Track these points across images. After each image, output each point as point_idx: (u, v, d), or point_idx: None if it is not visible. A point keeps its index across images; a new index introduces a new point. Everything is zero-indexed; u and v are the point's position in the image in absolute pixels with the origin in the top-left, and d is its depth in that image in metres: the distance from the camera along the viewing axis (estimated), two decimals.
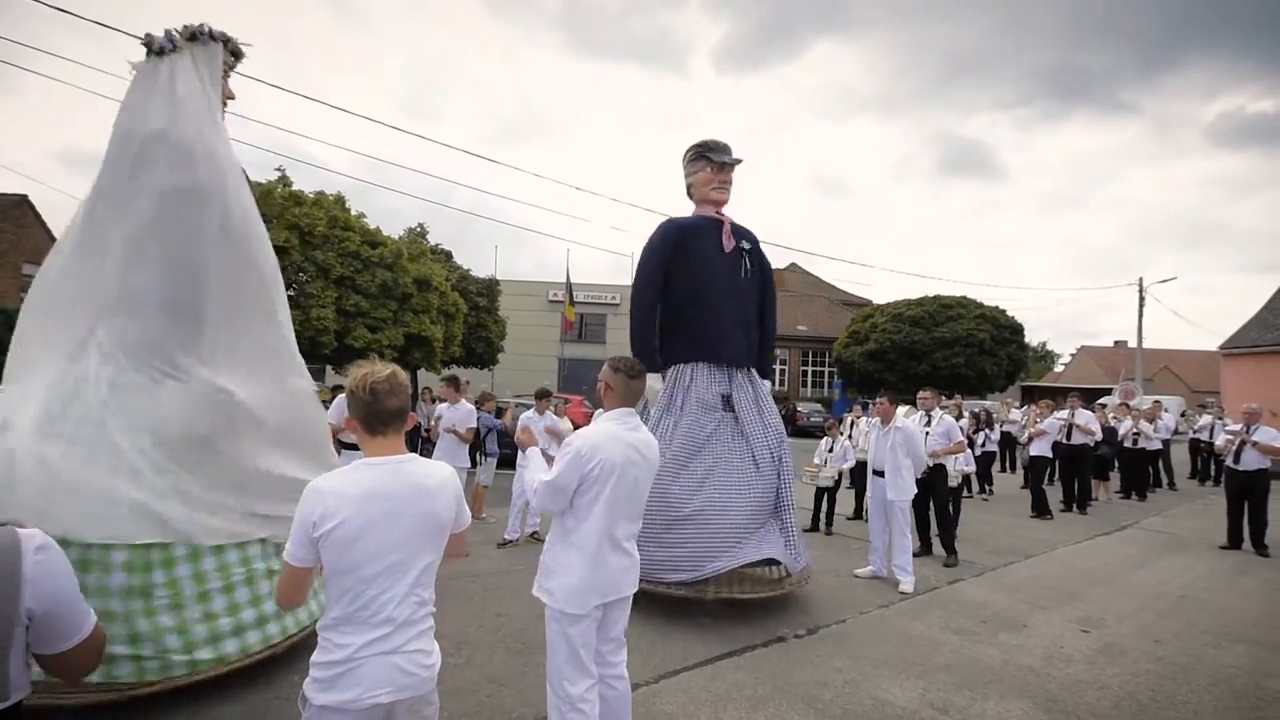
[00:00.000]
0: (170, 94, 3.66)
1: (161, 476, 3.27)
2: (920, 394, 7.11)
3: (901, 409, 6.28)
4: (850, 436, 8.58)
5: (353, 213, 15.92)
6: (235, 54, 4.06)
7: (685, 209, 5.78)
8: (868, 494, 6.45)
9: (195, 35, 3.79)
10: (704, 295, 5.33)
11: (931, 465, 6.57)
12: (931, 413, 6.87)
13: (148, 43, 3.72)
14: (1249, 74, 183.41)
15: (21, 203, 22.28)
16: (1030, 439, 9.94)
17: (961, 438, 6.94)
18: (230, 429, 3.53)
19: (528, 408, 7.81)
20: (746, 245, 5.51)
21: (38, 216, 22.83)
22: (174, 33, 3.74)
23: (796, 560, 4.90)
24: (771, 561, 4.91)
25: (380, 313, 15.36)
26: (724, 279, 5.38)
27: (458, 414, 6.97)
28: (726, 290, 5.37)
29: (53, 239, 22.72)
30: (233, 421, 3.54)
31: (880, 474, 5.93)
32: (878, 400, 6.22)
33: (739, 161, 5.55)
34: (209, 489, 3.42)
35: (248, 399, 3.61)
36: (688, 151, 5.60)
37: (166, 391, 3.42)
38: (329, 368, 15.78)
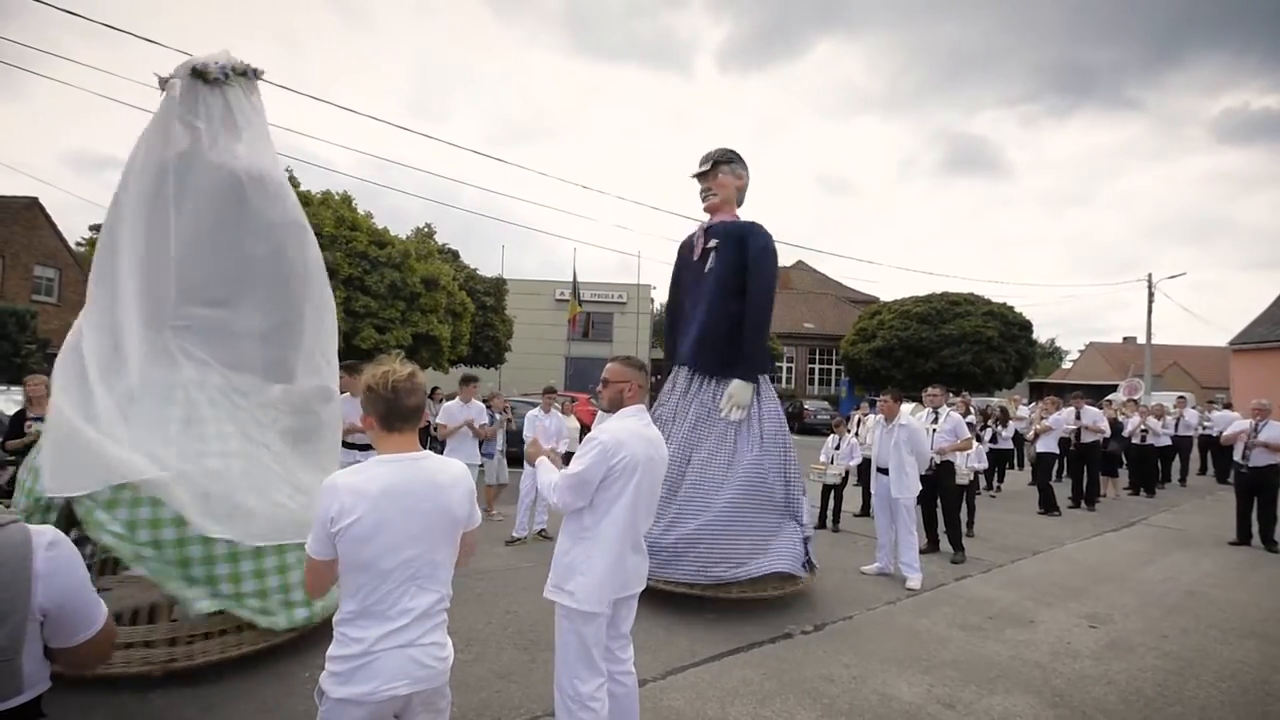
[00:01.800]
0: (247, 128, 4.01)
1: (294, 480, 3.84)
2: (928, 391, 7.11)
3: (907, 406, 6.29)
4: (857, 434, 8.59)
5: (360, 213, 15.97)
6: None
7: (693, 207, 6.04)
8: (873, 491, 6.45)
9: (245, 72, 4.04)
10: (676, 303, 5.92)
11: (939, 463, 6.58)
12: (939, 410, 6.87)
13: (204, 73, 3.88)
14: (1253, 70, 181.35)
15: (32, 205, 22.47)
16: (1037, 435, 9.91)
17: (968, 434, 6.93)
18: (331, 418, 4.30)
19: (533, 405, 7.84)
20: (714, 241, 5.54)
21: (48, 218, 23.03)
22: (227, 68, 3.94)
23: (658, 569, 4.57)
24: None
25: (388, 313, 15.42)
26: (689, 284, 5.74)
27: (471, 412, 7.05)
28: (690, 294, 5.70)
29: (63, 241, 23.13)
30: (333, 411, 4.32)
31: (885, 471, 5.94)
32: (882, 398, 6.23)
33: (710, 165, 5.62)
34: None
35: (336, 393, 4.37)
36: None
37: (279, 391, 4.03)
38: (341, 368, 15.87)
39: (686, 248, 5.85)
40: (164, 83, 3.92)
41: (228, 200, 3.91)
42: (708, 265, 5.48)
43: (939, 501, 6.70)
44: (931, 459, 6.48)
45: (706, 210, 5.73)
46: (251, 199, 3.95)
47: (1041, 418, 10.12)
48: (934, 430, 6.62)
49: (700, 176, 5.67)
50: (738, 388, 5.19)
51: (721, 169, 5.59)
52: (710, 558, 4.68)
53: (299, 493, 3.77)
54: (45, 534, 1.44)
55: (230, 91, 3.97)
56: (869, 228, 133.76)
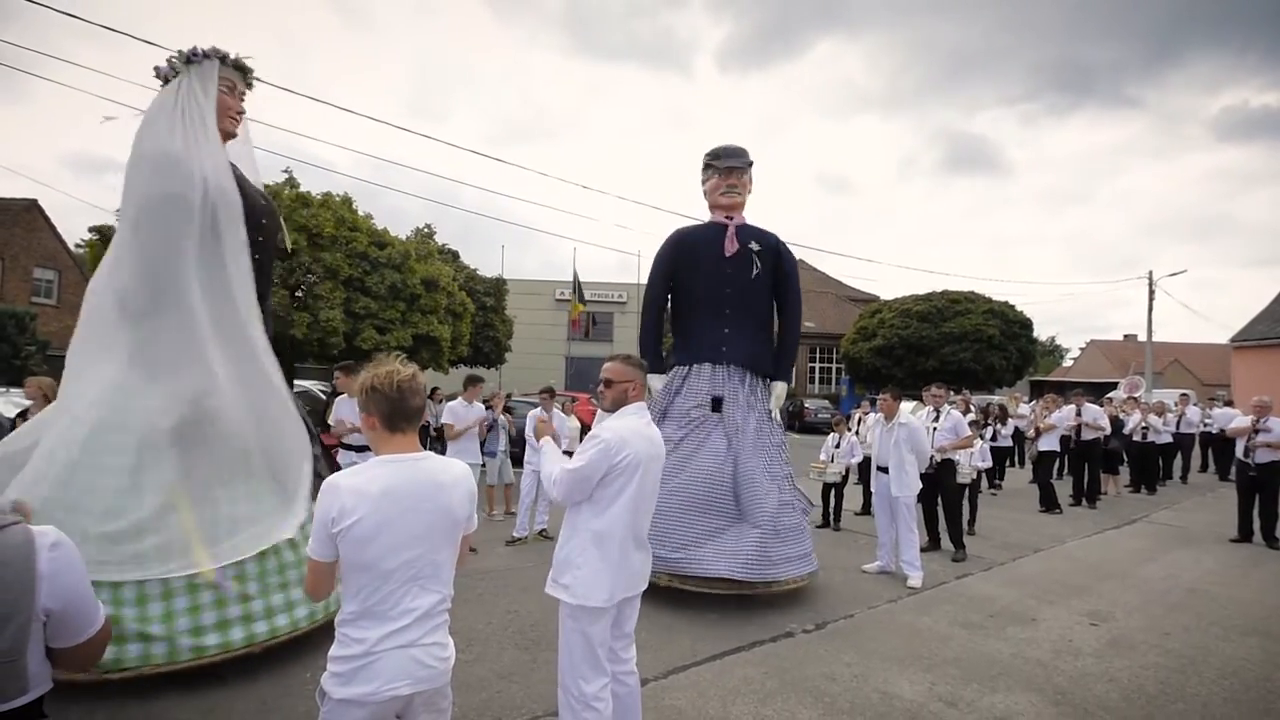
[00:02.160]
0: (167, 113, 3.87)
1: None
2: (930, 390, 7.09)
3: (907, 405, 6.28)
4: (857, 433, 8.62)
5: (360, 214, 15.94)
6: (241, 68, 4.20)
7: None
8: (874, 489, 6.41)
9: (190, 58, 3.99)
10: (702, 300, 5.55)
11: (940, 461, 6.58)
12: (940, 409, 6.86)
13: (157, 73, 3.99)
14: (1253, 68, 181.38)
15: (31, 207, 22.48)
16: (1039, 433, 9.86)
17: (969, 432, 6.92)
18: (212, 425, 3.69)
19: (534, 405, 7.85)
20: (756, 246, 5.49)
21: (47, 220, 23.05)
22: (173, 59, 3.98)
23: (758, 571, 4.70)
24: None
25: (388, 313, 15.40)
26: (723, 283, 5.48)
27: (475, 412, 7.05)
28: (727, 294, 5.47)
29: (62, 242, 23.16)
30: (214, 418, 3.69)
31: (885, 470, 5.93)
32: (881, 396, 6.22)
33: (747, 164, 5.57)
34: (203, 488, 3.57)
35: (228, 397, 3.75)
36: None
37: (156, 390, 3.58)
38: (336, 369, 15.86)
39: (708, 240, 5.55)
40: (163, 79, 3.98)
41: (136, 185, 3.77)
42: (754, 270, 5.45)
43: (940, 500, 6.69)
44: (932, 457, 6.48)
45: (728, 207, 5.58)
46: (138, 174, 3.77)
47: (1045, 414, 10.08)
48: (935, 429, 6.62)
49: (730, 171, 5.54)
50: (784, 389, 5.60)
51: (749, 171, 5.60)
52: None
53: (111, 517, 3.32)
54: (48, 535, 1.45)
55: (180, 81, 3.93)
56: (869, 227, 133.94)
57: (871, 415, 8.90)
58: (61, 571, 1.43)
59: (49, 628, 1.43)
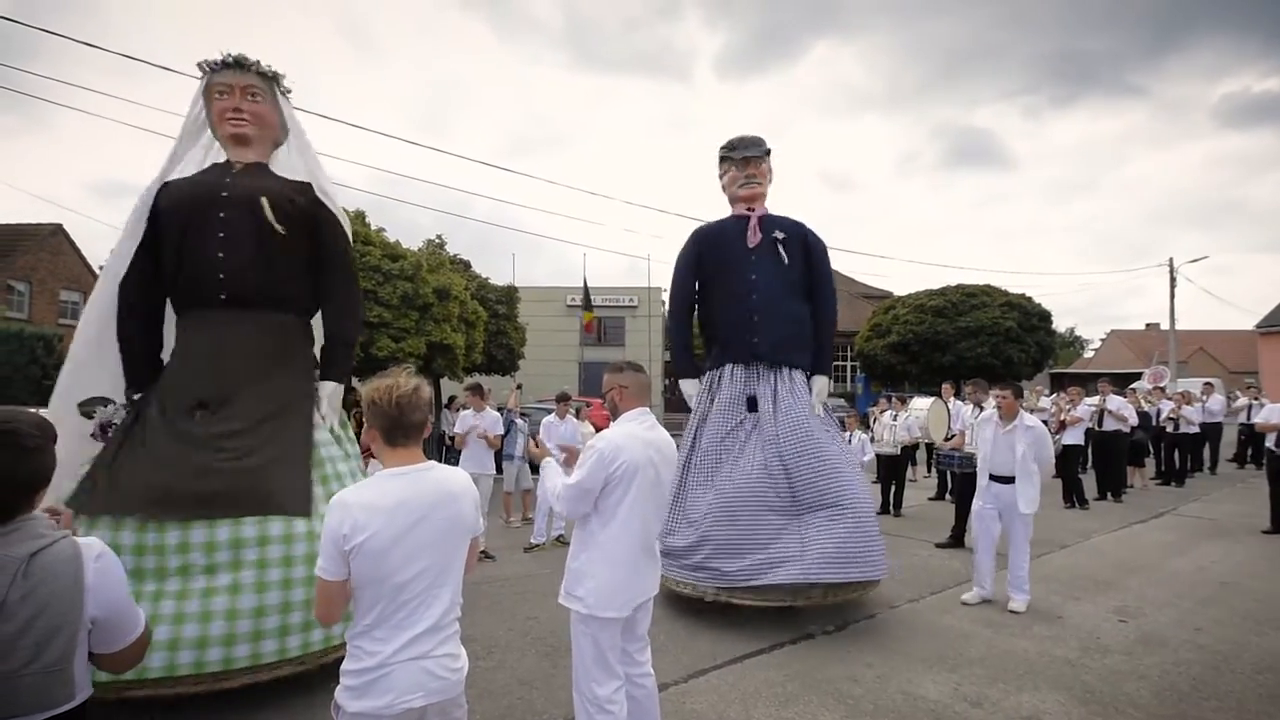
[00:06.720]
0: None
1: None
2: (967, 385, 6.99)
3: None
4: (872, 430, 8.60)
5: (373, 228, 16.18)
6: (236, 64, 4.07)
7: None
8: (976, 504, 5.23)
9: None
10: (731, 296, 5.27)
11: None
12: (983, 404, 6.79)
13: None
14: (1254, 55, 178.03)
15: (57, 231, 23.04)
16: (1063, 427, 9.63)
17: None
18: None
19: (548, 412, 7.87)
20: (781, 235, 5.26)
21: (72, 244, 23.60)
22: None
23: (808, 572, 4.36)
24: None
25: (403, 323, 15.58)
26: (752, 275, 5.20)
27: (485, 421, 7.03)
28: (756, 286, 5.18)
29: (87, 265, 23.67)
30: None
31: (1005, 480, 5.04)
32: (999, 394, 5.27)
33: (765, 153, 5.41)
34: None
35: None
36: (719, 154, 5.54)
37: None
38: (354, 378, 16.03)
39: (731, 234, 5.35)
40: (268, 72, 4.23)
41: None
42: (782, 261, 5.22)
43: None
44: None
45: (748, 199, 5.38)
46: None
47: (1070, 407, 9.84)
48: (976, 426, 6.56)
49: (747, 161, 5.38)
50: (825, 384, 5.23)
51: (766, 159, 5.43)
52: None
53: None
54: (93, 546, 1.50)
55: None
56: (876, 224, 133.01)
57: (887, 414, 8.84)
58: (105, 582, 1.47)
59: (93, 635, 1.48)
